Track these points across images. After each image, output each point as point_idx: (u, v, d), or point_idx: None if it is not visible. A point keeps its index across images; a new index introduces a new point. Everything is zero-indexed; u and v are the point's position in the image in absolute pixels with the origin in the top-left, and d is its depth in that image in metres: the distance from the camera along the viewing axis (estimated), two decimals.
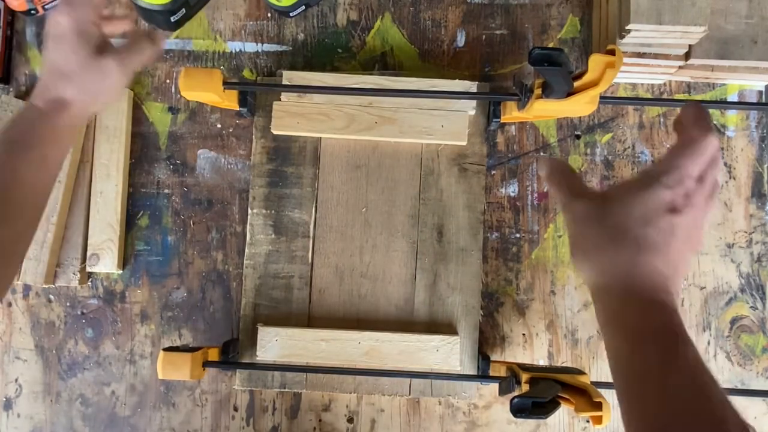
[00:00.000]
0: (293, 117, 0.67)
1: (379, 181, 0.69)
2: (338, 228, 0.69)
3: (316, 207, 0.69)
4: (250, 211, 0.69)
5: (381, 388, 0.67)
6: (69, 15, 0.48)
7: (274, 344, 0.65)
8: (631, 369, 0.36)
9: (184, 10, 0.69)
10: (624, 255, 0.37)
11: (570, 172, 0.43)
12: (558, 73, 0.50)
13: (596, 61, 0.51)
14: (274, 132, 0.68)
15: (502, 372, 0.64)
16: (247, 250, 0.69)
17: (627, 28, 0.60)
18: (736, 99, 0.71)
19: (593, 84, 0.53)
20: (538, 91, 0.56)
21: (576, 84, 0.54)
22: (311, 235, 0.69)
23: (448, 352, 0.65)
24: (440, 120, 0.67)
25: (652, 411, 0.33)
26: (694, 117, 0.39)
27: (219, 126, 0.72)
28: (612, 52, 0.50)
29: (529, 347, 0.70)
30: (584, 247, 0.39)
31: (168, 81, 0.72)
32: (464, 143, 0.68)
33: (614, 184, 0.42)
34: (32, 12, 0.71)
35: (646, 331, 0.35)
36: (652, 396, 0.33)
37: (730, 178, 0.70)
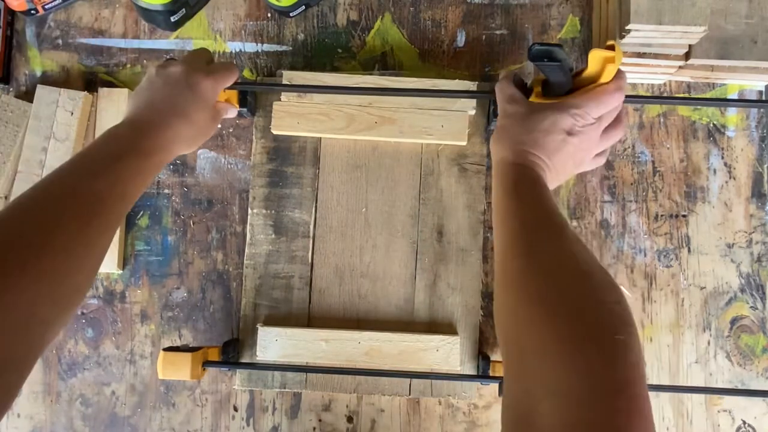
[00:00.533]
0: (293, 117, 0.67)
1: (379, 181, 0.69)
2: (338, 228, 0.69)
3: (316, 207, 0.69)
4: (250, 211, 0.69)
5: (381, 388, 0.67)
6: (216, 85, 0.57)
7: (274, 344, 0.65)
8: (499, 200, 0.49)
9: (184, 10, 0.69)
10: (524, 146, 0.51)
11: (514, 86, 0.56)
12: (557, 69, 0.50)
13: (596, 56, 0.50)
14: (274, 132, 0.68)
15: (502, 372, 0.64)
16: (247, 250, 0.69)
17: (627, 28, 0.60)
18: None
19: (593, 80, 0.53)
20: (537, 89, 0.56)
21: (576, 80, 0.54)
22: (311, 235, 0.69)
23: (448, 352, 0.65)
24: (440, 120, 0.67)
25: (514, 229, 0.46)
26: (616, 80, 0.51)
27: (219, 126, 0.71)
28: (611, 48, 0.50)
29: None
30: (503, 135, 0.53)
31: None
32: (464, 143, 0.68)
33: (546, 95, 0.56)
34: (32, 12, 0.71)
35: (520, 181, 0.49)
36: (515, 217, 0.47)
37: (730, 178, 0.70)
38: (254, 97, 0.69)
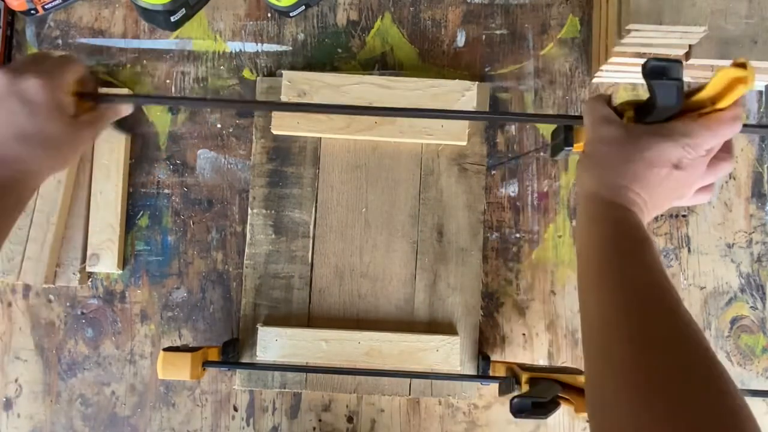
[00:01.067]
0: (293, 117, 0.67)
1: (379, 181, 0.69)
2: (338, 228, 0.69)
3: (316, 207, 0.69)
4: (250, 211, 0.69)
5: (381, 388, 0.67)
6: (48, 83, 0.47)
7: (274, 344, 0.65)
8: (593, 251, 0.42)
9: (184, 10, 0.69)
10: (621, 179, 0.44)
11: (606, 104, 0.47)
12: (674, 89, 0.42)
13: (724, 75, 0.41)
14: (274, 132, 0.68)
15: (502, 372, 0.64)
16: (247, 250, 0.69)
17: (627, 28, 0.60)
18: None
19: (703, 105, 0.44)
20: (630, 113, 0.46)
21: (684, 103, 0.44)
22: (311, 235, 0.69)
23: (448, 352, 0.65)
24: (440, 120, 0.67)
25: (620, 303, 0.39)
26: (734, 106, 0.43)
27: (219, 126, 0.72)
28: (742, 65, 0.41)
29: (529, 347, 0.70)
30: (595, 163, 0.46)
31: (168, 81, 0.72)
32: (464, 143, 0.68)
33: (641, 120, 0.46)
34: (32, 12, 0.71)
35: (621, 233, 0.42)
36: (619, 286, 0.40)
37: (730, 178, 0.70)
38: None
